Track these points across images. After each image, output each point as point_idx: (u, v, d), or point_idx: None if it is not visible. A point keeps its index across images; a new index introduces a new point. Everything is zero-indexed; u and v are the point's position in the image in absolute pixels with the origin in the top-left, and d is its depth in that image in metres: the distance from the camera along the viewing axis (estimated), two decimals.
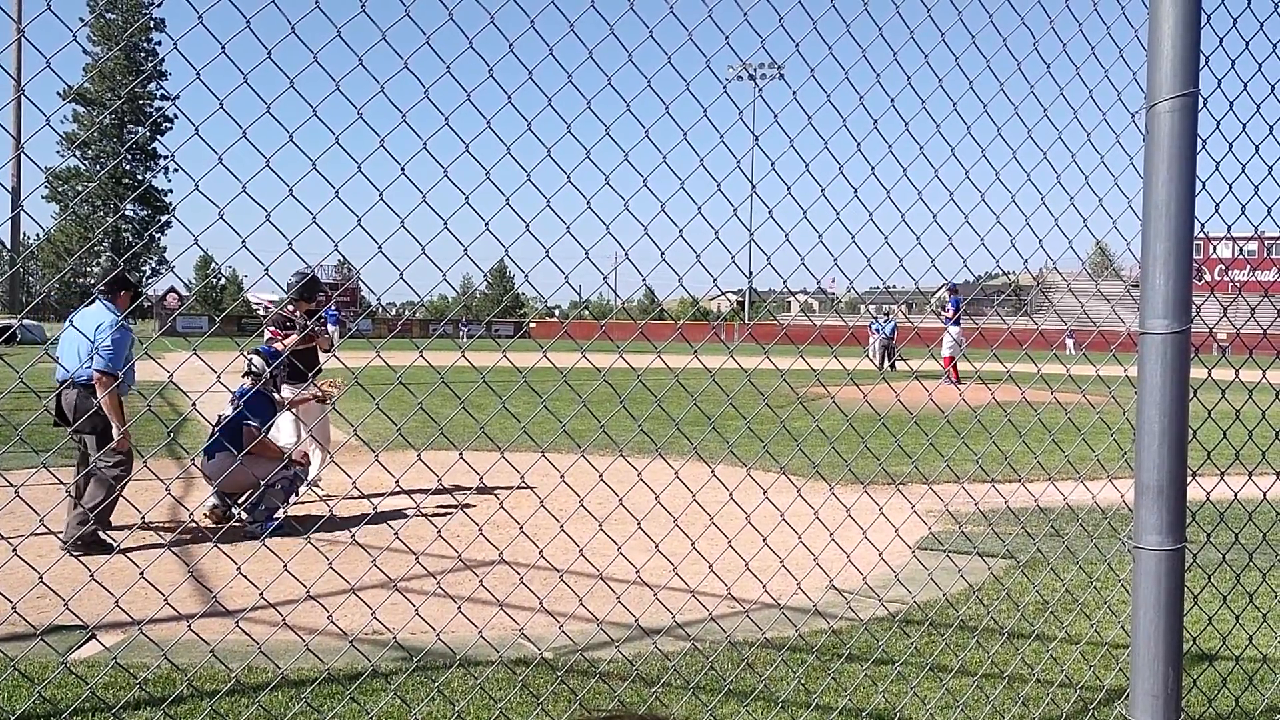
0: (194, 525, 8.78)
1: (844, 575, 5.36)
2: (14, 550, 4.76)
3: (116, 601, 3.52)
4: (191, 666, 5.15)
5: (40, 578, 3.78)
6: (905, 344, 34.77)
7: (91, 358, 7.97)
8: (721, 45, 3.31)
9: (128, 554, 7.53)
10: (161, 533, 8.74)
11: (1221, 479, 4.27)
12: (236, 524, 8.72)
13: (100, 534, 7.99)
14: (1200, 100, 2.71)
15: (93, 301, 8.64)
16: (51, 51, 2.61)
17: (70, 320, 8.20)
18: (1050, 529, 8.08)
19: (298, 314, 10.47)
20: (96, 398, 7.91)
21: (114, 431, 7.98)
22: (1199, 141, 2.72)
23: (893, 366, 33.60)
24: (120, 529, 8.58)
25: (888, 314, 35.54)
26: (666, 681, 5.12)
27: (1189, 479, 2.77)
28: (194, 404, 3.46)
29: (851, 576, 5.72)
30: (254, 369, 9.40)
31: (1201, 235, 3.32)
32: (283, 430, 10.13)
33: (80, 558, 7.35)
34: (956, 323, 26.91)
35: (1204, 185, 3.32)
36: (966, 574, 5.80)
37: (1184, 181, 2.66)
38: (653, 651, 5.49)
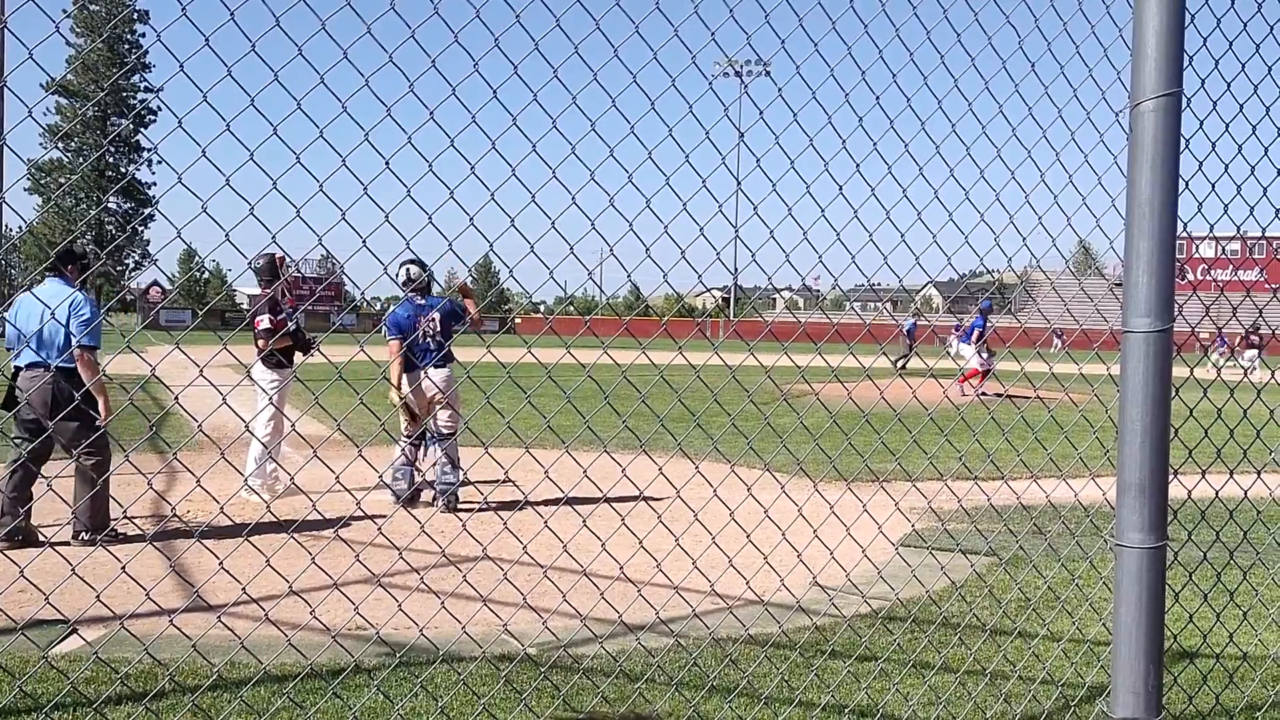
0: (177, 519, 8.75)
1: (827, 572, 5.36)
2: (100, 538, 4.73)
3: (98, 596, 3.51)
4: (173, 661, 5.13)
5: (21, 571, 3.76)
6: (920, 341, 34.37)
7: (65, 340, 7.77)
8: (707, 42, 3.31)
9: (109, 548, 7.50)
10: (143, 526, 8.71)
11: (1203, 477, 4.30)
12: (449, 503, 9.22)
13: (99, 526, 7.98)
14: (1184, 100, 2.72)
15: (38, 282, 8.40)
16: (34, 43, 2.59)
17: (17, 302, 8.03)
18: (1033, 526, 8.10)
19: (280, 294, 10.43)
20: (76, 380, 7.72)
21: (100, 407, 7.81)
22: (1182, 141, 2.73)
23: (903, 366, 32.97)
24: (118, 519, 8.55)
25: (916, 313, 34.99)
26: (650, 678, 5.13)
27: (1171, 477, 2.78)
28: (176, 398, 3.44)
29: (835, 573, 5.73)
30: (412, 275, 9.66)
31: (1184, 234, 3.33)
32: (260, 419, 10.11)
33: (63, 548, 7.32)
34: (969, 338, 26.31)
35: (1187, 185, 3.33)
36: (949, 571, 5.82)
37: (1167, 181, 2.67)
38: (636, 648, 5.49)
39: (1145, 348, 2.68)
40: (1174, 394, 2.79)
